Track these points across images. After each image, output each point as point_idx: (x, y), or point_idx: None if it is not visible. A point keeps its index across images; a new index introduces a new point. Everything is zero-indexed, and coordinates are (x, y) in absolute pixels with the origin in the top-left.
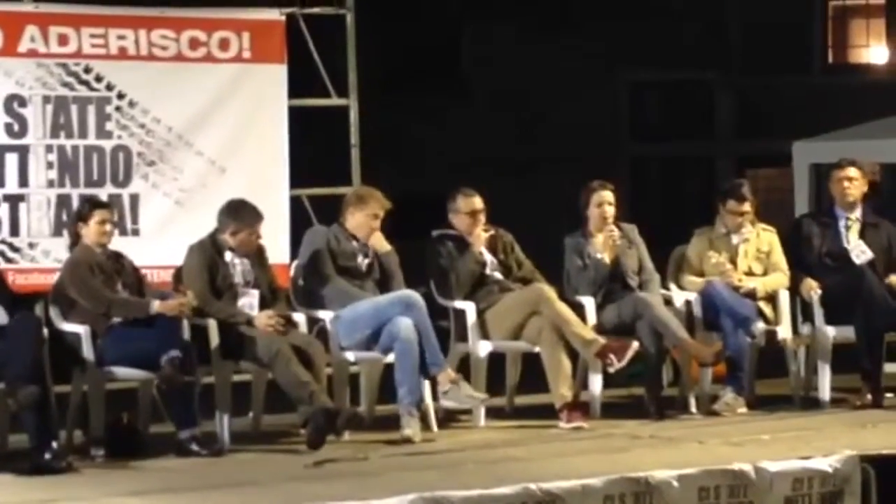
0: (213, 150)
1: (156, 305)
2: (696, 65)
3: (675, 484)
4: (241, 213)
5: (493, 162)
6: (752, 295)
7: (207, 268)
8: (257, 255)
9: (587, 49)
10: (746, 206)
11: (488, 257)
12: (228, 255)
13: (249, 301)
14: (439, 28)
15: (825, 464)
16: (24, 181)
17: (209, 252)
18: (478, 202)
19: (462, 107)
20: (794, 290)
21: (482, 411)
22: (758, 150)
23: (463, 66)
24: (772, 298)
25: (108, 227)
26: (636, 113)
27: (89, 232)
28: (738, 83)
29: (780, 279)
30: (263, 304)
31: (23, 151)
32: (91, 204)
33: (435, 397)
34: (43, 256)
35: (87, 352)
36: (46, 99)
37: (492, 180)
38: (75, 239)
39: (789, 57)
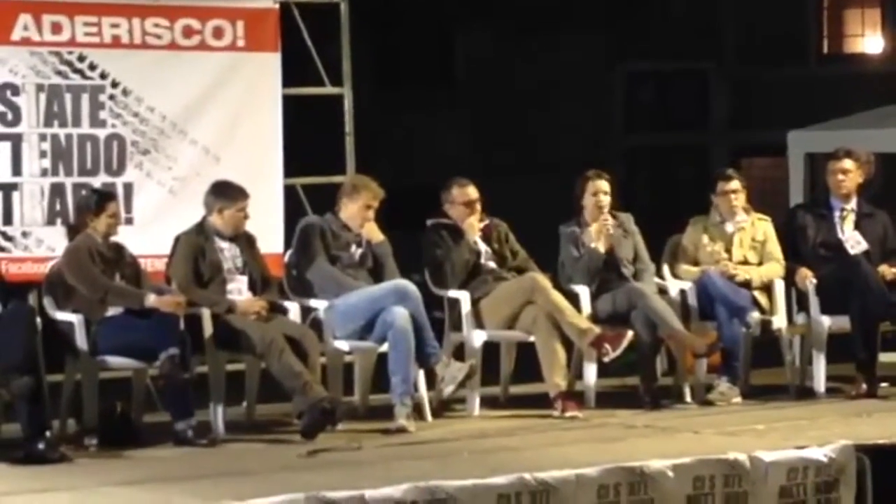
0: (208, 138)
1: (151, 299)
2: (690, 55)
3: (670, 474)
4: (226, 191)
5: (488, 152)
6: (747, 285)
7: (193, 255)
8: (247, 242)
9: (582, 40)
10: (733, 185)
11: (483, 247)
12: (217, 241)
13: (238, 287)
14: (434, 21)
15: (820, 454)
16: (17, 170)
17: (196, 239)
18: (472, 192)
19: (457, 98)
20: (789, 279)
21: (475, 400)
22: (753, 140)
23: (458, 57)
24: (767, 288)
25: (117, 218)
26: (631, 103)
27: (100, 223)
28: (733, 73)
29: (774, 268)
30: (255, 292)
31: (16, 140)
32: (103, 196)
33: (430, 387)
34: (36, 245)
35: (81, 341)
36: (40, 87)
37: (486, 171)
38: (81, 228)
39: (784, 47)
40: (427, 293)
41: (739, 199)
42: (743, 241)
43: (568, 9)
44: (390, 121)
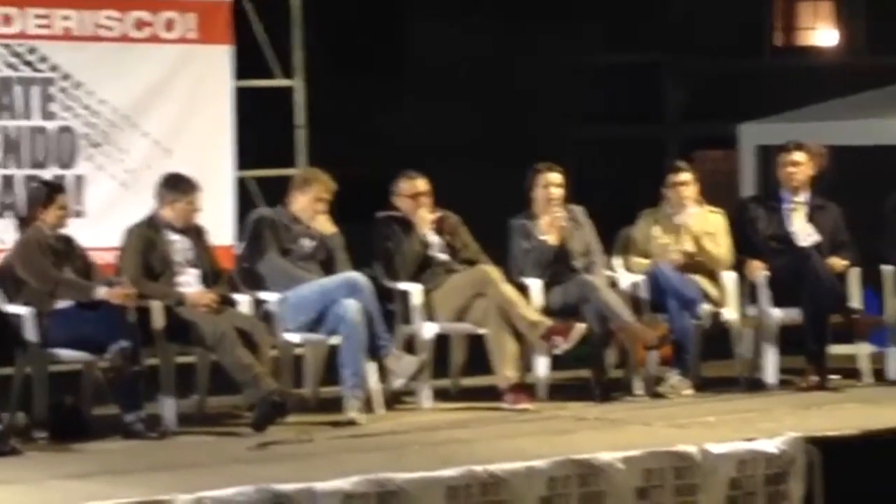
0: (159, 131)
1: (101, 292)
2: (644, 47)
3: (621, 466)
4: (177, 183)
5: (441, 145)
6: (693, 267)
7: (143, 248)
8: (198, 235)
9: (536, 32)
10: (683, 177)
11: (434, 239)
12: (168, 233)
13: (189, 279)
14: (388, 11)
15: (770, 445)
16: None
17: (146, 232)
18: (420, 184)
19: (410, 90)
20: (739, 271)
21: (426, 392)
22: (706, 133)
23: (412, 49)
24: (716, 279)
25: (67, 211)
26: (585, 95)
27: (49, 216)
28: (687, 65)
29: (722, 253)
30: (206, 284)
31: None
32: (52, 188)
33: (381, 379)
34: None
35: (31, 333)
36: None
37: (439, 163)
38: (31, 221)
39: (737, 39)
40: (379, 286)
41: (690, 192)
42: (693, 234)
43: (519, 0)
44: (348, 111)
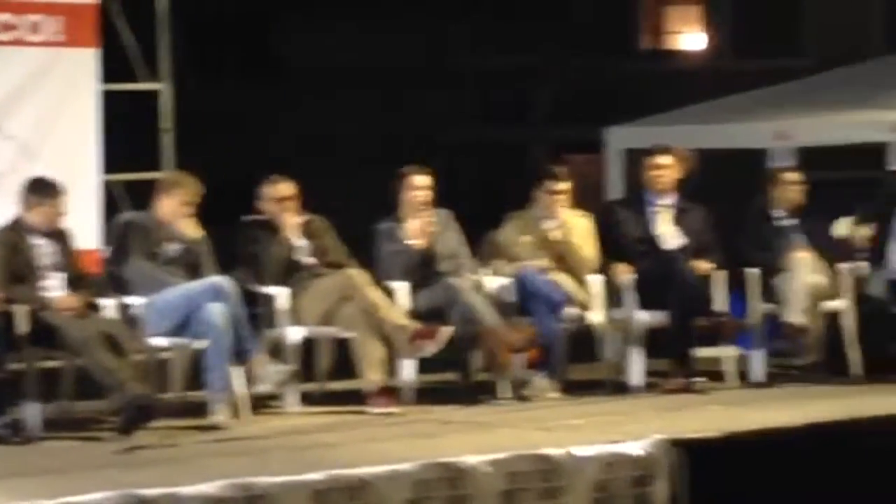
0: (24, 134)
1: None
2: (511, 50)
3: (486, 469)
4: (42, 187)
5: (312, 148)
6: (557, 270)
7: (7, 252)
8: (63, 239)
9: (407, 33)
10: (560, 185)
11: (300, 243)
12: (32, 238)
13: (54, 283)
14: (258, 14)
15: (636, 448)
16: None
17: (10, 236)
18: (284, 189)
19: (280, 93)
20: (605, 274)
21: (292, 396)
22: (572, 136)
23: (282, 52)
24: (582, 282)
25: None
26: (453, 98)
27: None
28: (553, 68)
29: (588, 256)
30: (71, 289)
31: None
32: None
33: (247, 383)
34: None
35: None
36: None
37: (310, 166)
38: None
39: (605, 42)
40: (246, 290)
41: (564, 200)
42: (559, 237)
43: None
44: (218, 114)
